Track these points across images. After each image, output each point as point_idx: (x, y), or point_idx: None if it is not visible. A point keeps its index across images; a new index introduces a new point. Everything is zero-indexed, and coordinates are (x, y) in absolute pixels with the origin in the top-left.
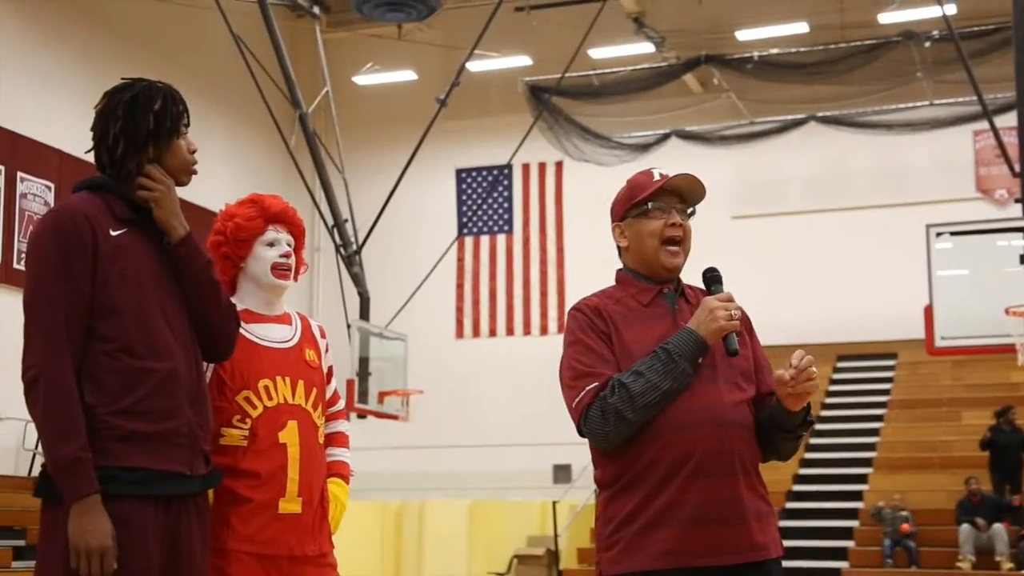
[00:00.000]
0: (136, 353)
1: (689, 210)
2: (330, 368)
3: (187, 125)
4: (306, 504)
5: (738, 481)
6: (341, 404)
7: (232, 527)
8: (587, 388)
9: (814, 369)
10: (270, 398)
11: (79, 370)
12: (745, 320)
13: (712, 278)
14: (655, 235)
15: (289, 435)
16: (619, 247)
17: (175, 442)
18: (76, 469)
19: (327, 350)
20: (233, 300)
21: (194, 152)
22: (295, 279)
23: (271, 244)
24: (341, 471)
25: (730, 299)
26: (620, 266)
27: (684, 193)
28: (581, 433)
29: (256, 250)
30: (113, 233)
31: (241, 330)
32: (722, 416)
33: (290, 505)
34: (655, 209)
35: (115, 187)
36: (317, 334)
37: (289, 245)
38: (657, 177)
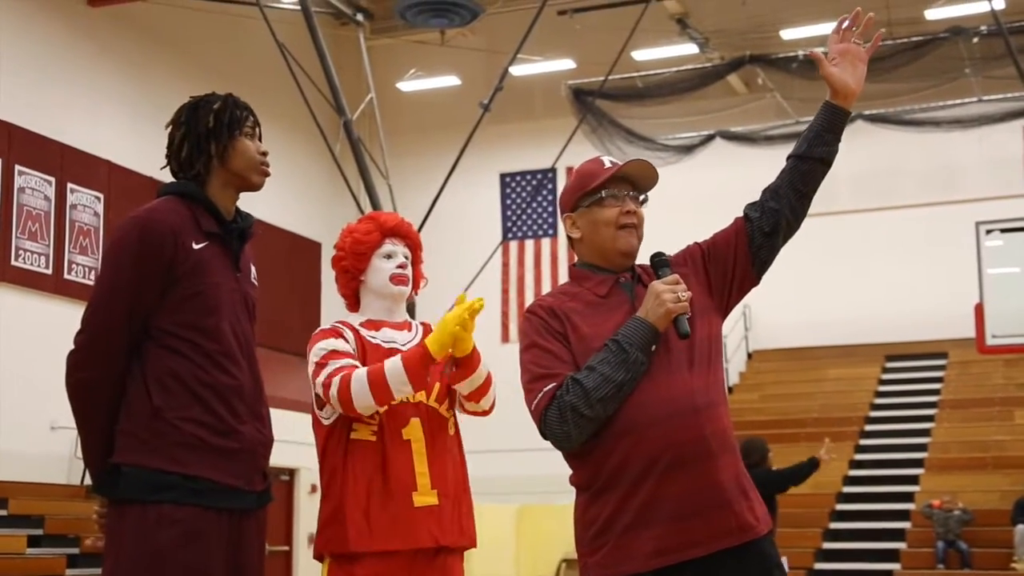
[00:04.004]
0: (206, 365)
1: (642, 197)
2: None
3: (253, 127)
4: (443, 496)
5: (715, 466)
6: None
7: (366, 527)
8: (544, 390)
9: None
10: None
11: (142, 374)
12: (694, 254)
13: (659, 262)
14: (610, 223)
15: (413, 431)
16: (570, 239)
17: (237, 456)
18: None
19: None
20: (356, 313)
21: (265, 154)
22: (416, 291)
23: (388, 256)
24: None
25: (677, 282)
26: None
27: (635, 180)
28: (544, 436)
29: (374, 263)
30: (195, 247)
31: (365, 335)
32: (692, 404)
33: (425, 498)
34: (608, 197)
35: (203, 197)
36: None
37: (406, 257)
38: (608, 164)
